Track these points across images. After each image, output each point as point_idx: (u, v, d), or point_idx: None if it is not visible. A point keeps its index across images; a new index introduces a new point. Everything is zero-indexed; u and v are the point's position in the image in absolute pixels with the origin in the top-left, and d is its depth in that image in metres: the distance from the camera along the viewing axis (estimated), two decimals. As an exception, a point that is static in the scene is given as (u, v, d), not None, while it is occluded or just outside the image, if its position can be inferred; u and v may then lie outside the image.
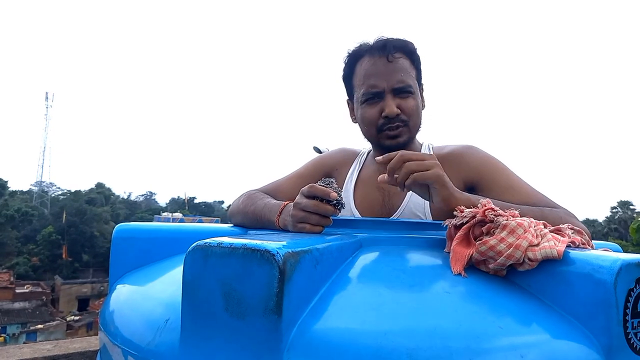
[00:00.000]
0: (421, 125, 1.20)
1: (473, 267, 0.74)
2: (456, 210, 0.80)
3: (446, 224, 0.80)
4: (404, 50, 1.16)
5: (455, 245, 0.74)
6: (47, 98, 62.18)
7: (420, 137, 1.24)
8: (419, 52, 1.20)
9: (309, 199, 0.83)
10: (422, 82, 1.22)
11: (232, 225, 1.15)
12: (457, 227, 0.78)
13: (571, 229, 0.80)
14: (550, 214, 0.93)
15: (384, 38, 1.16)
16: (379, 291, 0.68)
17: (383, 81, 1.13)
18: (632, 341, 0.63)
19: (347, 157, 1.28)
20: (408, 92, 1.14)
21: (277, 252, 0.57)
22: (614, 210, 39.24)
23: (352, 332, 0.59)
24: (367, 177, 1.22)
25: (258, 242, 0.59)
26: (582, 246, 0.77)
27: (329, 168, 1.26)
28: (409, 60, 1.16)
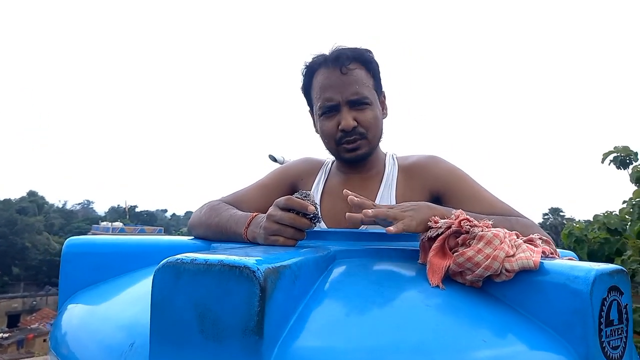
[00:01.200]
0: (382, 135, 1.20)
1: (449, 278, 0.73)
2: (430, 221, 0.79)
3: (421, 235, 0.79)
4: (360, 60, 1.14)
5: (432, 256, 0.74)
6: (-27, 100, 58.25)
7: (384, 146, 1.23)
8: (376, 60, 1.18)
9: (285, 212, 0.80)
10: (383, 90, 1.21)
11: (192, 237, 1.09)
12: (431, 239, 0.78)
13: (540, 238, 0.81)
14: (517, 224, 0.95)
15: (338, 48, 1.14)
16: (358, 306, 0.66)
17: (338, 94, 1.11)
18: (606, 349, 0.64)
19: (312, 168, 1.26)
20: (364, 103, 1.12)
21: (258, 269, 0.54)
22: (545, 217, 41.43)
23: (336, 350, 0.57)
24: (332, 188, 1.20)
25: (236, 257, 0.56)
26: (551, 256, 0.78)
27: (293, 178, 1.23)
28: (365, 70, 1.14)
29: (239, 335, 0.53)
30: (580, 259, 1.03)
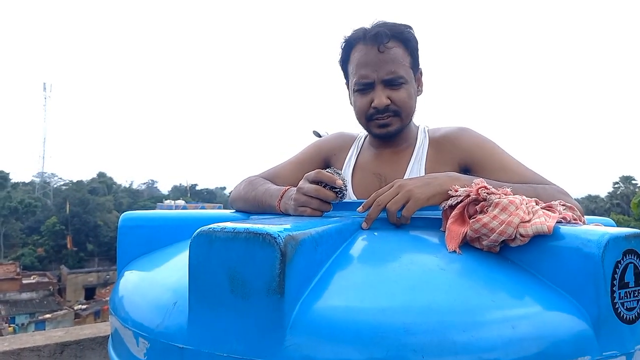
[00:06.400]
0: (415, 111, 1.20)
1: (468, 244, 0.77)
2: (451, 190, 0.82)
3: (442, 204, 0.83)
4: (399, 38, 1.13)
5: (450, 223, 0.77)
6: (45, 89, 62.05)
7: (417, 120, 1.25)
8: (416, 37, 1.17)
9: (312, 184, 0.85)
10: (420, 67, 1.21)
11: (234, 211, 1.17)
12: (452, 207, 0.81)
13: (563, 205, 0.82)
14: (543, 192, 0.95)
15: (379, 24, 1.14)
16: (376, 270, 0.71)
17: (374, 72, 1.12)
18: (619, 310, 0.66)
19: (344, 142, 1.29)
20: (399, 82, 1.13)
21: (279, 235, 0.60)
22: (615, 186, 39.15)
23: (351, 309, 0.62)
24: (364, 162, 1.24)
25: (260, 226, 0.62)
26: (574, 222, 0.80)
27: (326, 153, 1.28)
28: (403, 48, 1.14)
29: (264, 294, 0.59)
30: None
